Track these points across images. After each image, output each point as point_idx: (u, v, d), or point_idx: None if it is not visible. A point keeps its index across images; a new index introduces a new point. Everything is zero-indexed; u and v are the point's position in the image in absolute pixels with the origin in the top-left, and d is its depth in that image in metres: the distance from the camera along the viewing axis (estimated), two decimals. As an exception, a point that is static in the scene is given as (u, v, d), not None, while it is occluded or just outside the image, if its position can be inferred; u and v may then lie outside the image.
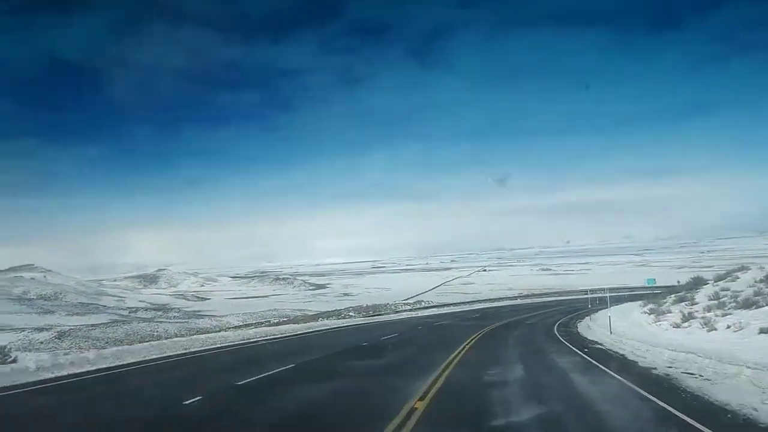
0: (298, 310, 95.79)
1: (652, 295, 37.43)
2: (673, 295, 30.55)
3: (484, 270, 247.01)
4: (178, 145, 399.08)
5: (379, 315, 55.17)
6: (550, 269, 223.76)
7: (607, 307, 32.01)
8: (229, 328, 52.43)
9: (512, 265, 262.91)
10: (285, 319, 63.59)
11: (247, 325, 55.01)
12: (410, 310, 63.81)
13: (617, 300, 43.06)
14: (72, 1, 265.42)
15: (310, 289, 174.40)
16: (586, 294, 65.11)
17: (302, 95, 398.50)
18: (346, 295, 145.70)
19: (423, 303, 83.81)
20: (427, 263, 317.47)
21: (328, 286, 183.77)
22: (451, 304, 72.78)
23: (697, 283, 31.41)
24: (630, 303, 38.29)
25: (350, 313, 55.99)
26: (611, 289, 47.91)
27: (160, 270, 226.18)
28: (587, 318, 34.97)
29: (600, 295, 51.13)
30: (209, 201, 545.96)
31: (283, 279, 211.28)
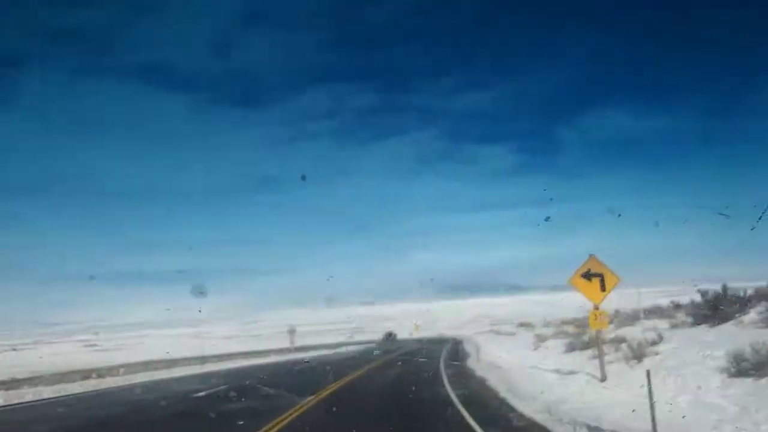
0: None
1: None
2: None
3: (14, 349, 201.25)
4: None
5: None
6: (97, 344, 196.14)
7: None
8: None
9: (52, 342, 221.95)
10: None
11: None
12: None
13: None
14: None
15: None
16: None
17: None
18: None
19: None
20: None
21: None
22: None
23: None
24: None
25: None
26: (167, 362, 34.48)
27: None
28: None
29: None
30: None
31: None
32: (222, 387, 18.68)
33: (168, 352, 38.90)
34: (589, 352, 19.84)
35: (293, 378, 21.59)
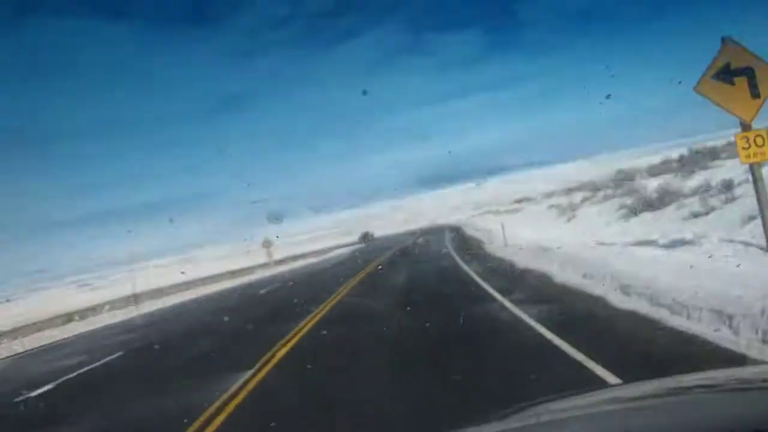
0: None
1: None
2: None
3: (8, 300, 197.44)
4: None
5: None
6: (90, 283, 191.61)
7: None
8: None
9: (46, 288, 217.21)
10: None
11: None
12: None
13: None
14: None
15: None
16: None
17: None
18: None
19: None
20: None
21: None
22: None
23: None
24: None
25: None
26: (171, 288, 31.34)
27: None
28: None
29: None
30: None
31: None
32: (115, 356, 12.12)
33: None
34: (672, 210, 13.87)
35: (244, 316, 15.41)
